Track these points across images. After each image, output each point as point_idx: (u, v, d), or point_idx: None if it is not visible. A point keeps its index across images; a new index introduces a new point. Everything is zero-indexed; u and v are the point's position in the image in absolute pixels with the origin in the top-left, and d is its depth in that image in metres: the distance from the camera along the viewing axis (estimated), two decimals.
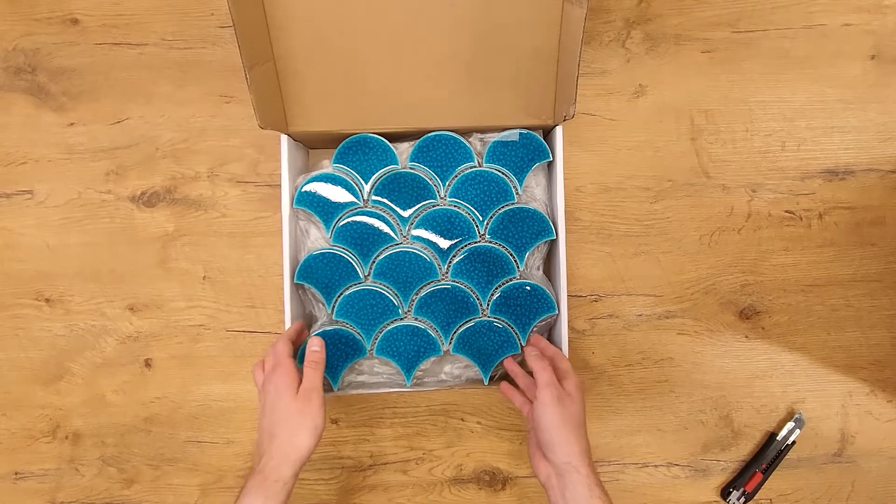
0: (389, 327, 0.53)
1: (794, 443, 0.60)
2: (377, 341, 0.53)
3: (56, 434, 0.60)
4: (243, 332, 0.60)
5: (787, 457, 0.60)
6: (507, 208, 0.54)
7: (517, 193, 0.54)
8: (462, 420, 0.61)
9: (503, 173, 0.54)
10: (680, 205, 0.61)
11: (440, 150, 0.55)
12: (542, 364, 0.48)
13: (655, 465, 0.61)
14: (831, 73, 0.61)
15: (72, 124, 0.60)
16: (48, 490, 0.60)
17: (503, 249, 0.54)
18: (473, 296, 0.54)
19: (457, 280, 0.54)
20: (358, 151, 0.55)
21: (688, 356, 0.61)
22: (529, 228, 0.54)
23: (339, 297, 0.53)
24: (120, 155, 0.60)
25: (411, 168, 0.55)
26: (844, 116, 0.61)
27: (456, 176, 0.54)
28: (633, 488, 0.61)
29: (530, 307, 0.54)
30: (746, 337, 0.61)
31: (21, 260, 0.60)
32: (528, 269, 0.56)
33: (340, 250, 0.54)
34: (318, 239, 0.56)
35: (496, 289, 0.54)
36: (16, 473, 0.60)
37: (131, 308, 0.60)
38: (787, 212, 0.61)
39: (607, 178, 0.61)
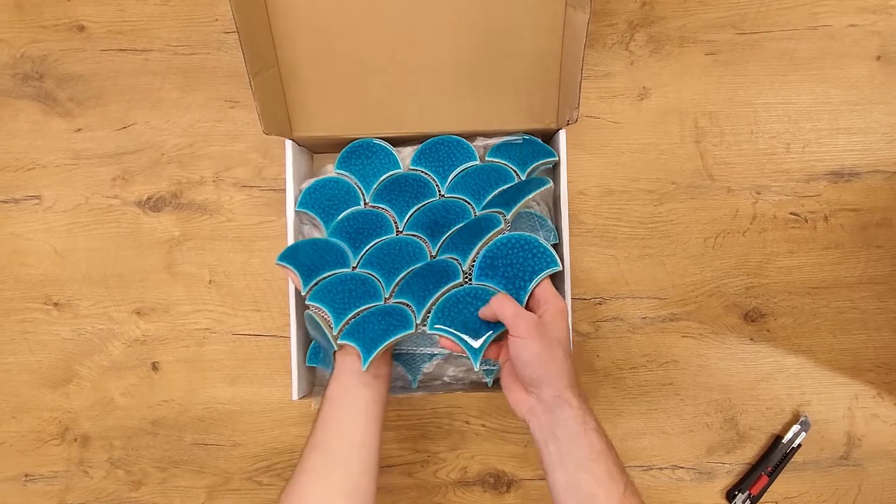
0: (363, 312, 0.46)
1: (799, 445, 0.60)
2: (346, 327, 0.45)
3: (65, 436, 0.61)
4: (249, 335, 0.61)
5: (792, 460, 0.60)
6: (505, 188, 0.50)
7: (518, 178, 0.52)
8: (467, 423, 0.61)
9: (505, 164, 0.53)
10: (684, 207, 0.61)
11: (442, 152, 0.54)
12: (501, 300, 0.41)
13: (660, 468, 0.61)
14: (836, 74, 0.61)
15: (79, 130, 0.60)
16: (57, 492, 0.61)
17: (495, 213, 0.47)
18: (456, 263, 0.46)
19: (443, 256, 0.48)
20: (361, 156, 0.55)
21: (692, 359, 0.61)
22: (525, 192, 0.48)
23: (318, 281, 0.48)
24: (126, 160, 0.60)
25: (412, 170, 0.54)
26: (850, 118, 0.61)
27: (456, 174, 0.54)
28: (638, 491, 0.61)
29: (524, 265, 0.43)
30: (751, 339, 0.61)
31: (29, 265, 0.60)
32: None
33: (332, 239, 0.52)
34: None
35: (479, 249, 0.45)
36: (26, 475, 0.61)
37: (138, 312, 0.60)
38: (792, 214, 0.61)
39: (611, 181, 0.61)
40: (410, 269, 0.48)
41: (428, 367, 0.55)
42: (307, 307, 0.48)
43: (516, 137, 0.55)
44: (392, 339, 0.43)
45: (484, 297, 0.42)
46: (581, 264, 0.61)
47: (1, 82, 0.60)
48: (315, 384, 0.57)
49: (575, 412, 0.39)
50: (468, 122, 0.54)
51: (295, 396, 0.53)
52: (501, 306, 0.40)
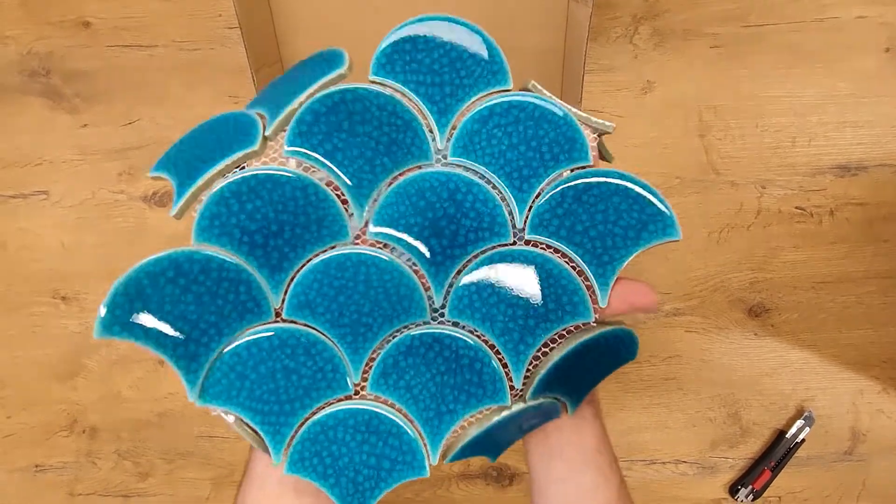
0: (317, 417, 0.25)
1: (803, 440, 0.59)
2: (293, 446, 0.25)
3: (73, 428, 0.62)
4: None
5: (796, 455, 0.60)
6: (574, 175, 0.26)
7: (593, 151, 0.27)
8: None
9: (565, 106, 0.27)
10: (688, 202, 0.60)
11: (439, 55, 0.26)
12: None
13: (663, 463, 0.61)
14: (844, 66, 0.60)
15: (85, 126, 0.61)
16: (67, 482, 0.62)
17: (563, 264, 0.26)
18: (496, 360, 0.26)
19: (461, 325, 0.26)
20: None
21: (696, 354, 0.61)
22: (621, 217, 0.26)
23: (216, 358, 0.24)
24: (132, 155, 0.61)
25: (379, 84, 0.26)
26: (857, 111, 0.60)
27: (469, 114, 0.26)
28: (641, 485, 0.61)
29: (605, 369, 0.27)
30: (755, 334, 0.61)
31: (37, 259, 0.61)
32: None
33: (220, 253, 0.24)
34: None
35: (542, 348, 0.26)
36: (36, 466, 0.62)
37: None
38: (797, 208, 0.60)
39: None
40: (396, 331, 0.25)
41: None
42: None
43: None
44: (392, 487, 0.26)
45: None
46: None
47: (8, 79, 0.61)
48: None
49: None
50: None
51: None
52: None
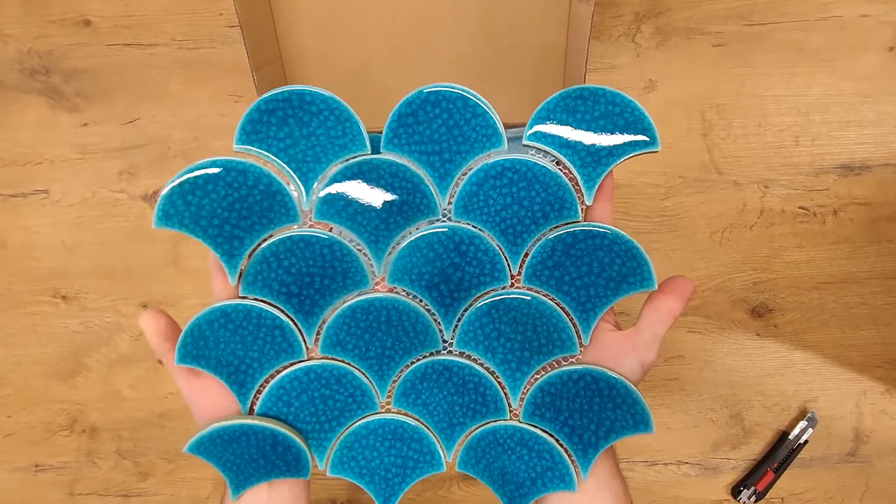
0: (352, 429, 0.31)
1: (806, 442, 0.59)
2: (333, 453, 0.31)
3: (74, 428, 0.62)
4: None
5: (799, 456, 0.59)
6: (562, 232, 0.29)
7: (582, 206, 0.30)
8: None
9: (562, 167, 0.30)
10: (691, 201, 0.60)
11: (440, 123, 0.29)
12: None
13: (665, 463, 0.61)
14: (847, 65, 0.59)
15: (85, 124, 0.61)
16: (67, 482, 0.62)
17: (554, 305, 0.30)
18: (496, 384, 0.31)
19: (466, 354, 0.31)
20: (288, 121, 0.34)
21: (698, 354, 0.60)
22: (604, 270, 0.30)
23: (260, 388, 0.31)
24: (132, 154, 0.61)
25: (388, 157, 0.29)
26: (861, 110, 0.60)
27: (469, 175, 0.30)
28: (643, 486, 0.61)
29: (599, 417, 0.30)
30: (758, 335, 0.60)
31: (38, 258, 0.61)
32: None
33: (260, 304, 0.30)
34: None
35: (535, 375, 0.31)
36: (36, 465, 0.62)
37: (145, 305, 0.61)
38: (800, 208, 0.60)
39: (617, 174, 0.60)
40: (414, 360, 0.31)
41: None
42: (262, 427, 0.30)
43: (519, 130, 0.55)
44: (416, 482, 0.31)
45: (535, 448, 0.30)
46: None
47: (8, 77, 0.61)
48: None
49: None
50: None
51: None
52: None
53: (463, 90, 0.29)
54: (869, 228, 0.60)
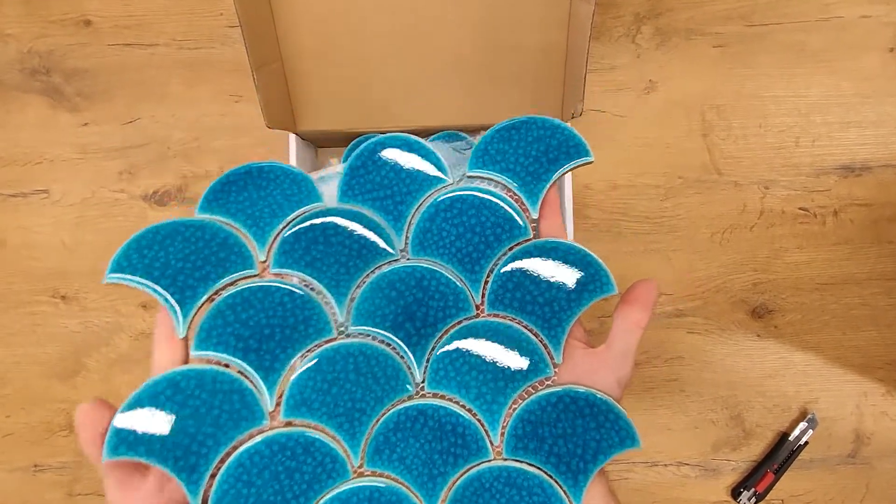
0: (326, 501, 0.27)
1: (806, 443, 0.59)
2: None
3: (73, 428, 0.62)
4: None
5: (799, 457, 0.59)
6: (517, 251, 0.29)
7: (531, 221, 0.30)
8: None
9: (506, 190, 0.30)
10: (691, 202, 0.60)
11: (388, 170, 0.30)
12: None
13: (665, 465, 0.61)
14: (848, 66, 0.59)
15: (85, 124, 0.61)
16: (66, 482, 0.62)
17: (521, 328, 0.29)
18: (475, 421, 0.28)
19: (440, 394, 0.28)
20: (248, 188, 0.35)
21: (698, 355, 0.60)
22: (564, 283, 0.29)
23: (219, 464, 0.26)
24: (132, 154, 0.61)
25: (345, 207, 0.30)
26: (861, 111, 0.60)
27: (420, 214, 0.30)
28: (642, 487, 0.61)
29: (584, 435, 0.28)
30: (758, 336, 0.60)
31: (37, 258, 0.61)
32: None
33: (214, 366, 0.27)
34: None
35: (513, 405, 0.28)
36: (35, 465, 0.62)
37: (144, 306, 0.61)
38: (801, 209, 0.60)
39: (616, 175, 0.60)
40: (386, 410, 0.28)
41: None
42: None
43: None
44: None
45: (525, 486, 0.28)
46: None
47: (9, 77, 0.61)
48: None
49: None
50: (472, 116, 0.54)
51: None
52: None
53: (404, 137, 0.30)
54: (870, 229, 0.60)
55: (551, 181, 0.30)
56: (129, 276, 0.27)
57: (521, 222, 0.29)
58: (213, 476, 0.26)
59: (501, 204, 0.29)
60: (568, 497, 0.28)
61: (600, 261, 0.29)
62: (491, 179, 0.30)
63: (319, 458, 0.27)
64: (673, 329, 0.60)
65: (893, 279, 0.60)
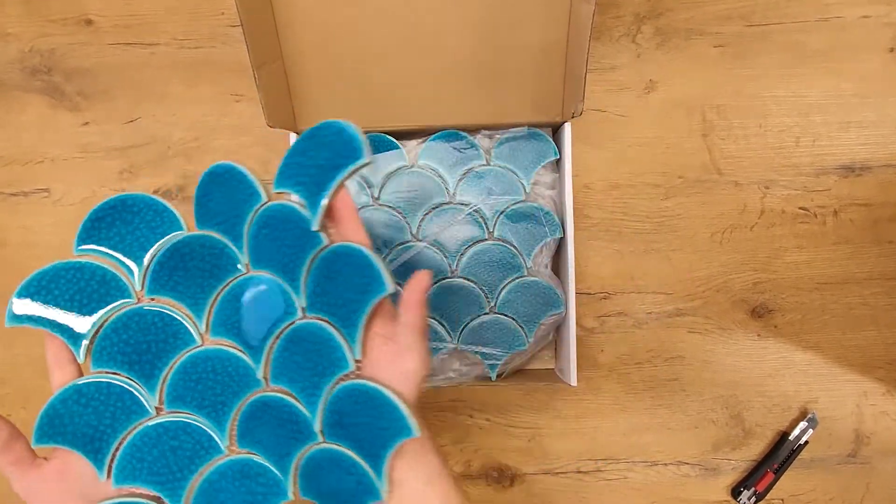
0: (205, 475, 0.34)
1: (806, 443, 0.59)
2: (190, 501, 0.33)
3: None
4: None
5: (799, 457, 0.59)
6: (318, 258, 0.33)
7: (324, 232, 0.33)
8: (470, 416, 0.61)
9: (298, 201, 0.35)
10: (691, 202, 0.60)
11: (219, 194, 0.35)
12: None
13: (665, 464, 0.61)
14: (848, 66, 0.60)
15: (86, 124, 0.61)
16: None
17: (330, 328, 0.33)
18: (304, 411, 0.33)
19: (279, 387, 0.34)
20: (116, 222, 0.37)
21: (698, 354, 0.60)
22: (351, 282, 0.32)
23: (115, 451, 0.33)
24: (133, 154, 0.61)
25: (199, 233, 0.35)
26: (862, 111, 0.60)
27: (249, 228, 0.35)
28: (642, 487, 0.61)
29: (373, 430, 0.31)
30: (759, 335, 0.60)
31: (38, 257, 0.61)
32: (537, 266, 0.56)
33: (103, 380, 0.33)
34: None
35: (326, 397, 0.33)
36: None
37: None
38: (801, 209, 0.60)
39: (617, 174, 0.60)
40: (244, 400, 0.34)
41: (433, 362, 0.55)
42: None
43: (520, 130, 0.55)
44: None
45: (346, 466, 0.32)
46: (586, 259, 0.60)
47: (10, 76, 0.61)
48: None
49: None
50: (473, 115, 0.54)
51: None
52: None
53: (226, 166, 0.35)
54: (870, 229, 0.60)
55: (331, 189, 0.31)
56: (27, 320, 0.33)
57: (315, 233, 0.33)
58: (113, 457, 0.33)
59: (297, 216, 0.33)
60: (375, 477, 0.31)
61: (376, 263, 0.31)
62: (288, 195, 0.33)
63: (197, 437, 0.34)
64: (673, 328, 0.60)
65: (893, 279, 0.60)
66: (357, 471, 0.32)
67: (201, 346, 0.35)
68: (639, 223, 0.60)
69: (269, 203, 0.34)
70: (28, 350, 0.61)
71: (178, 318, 0.35)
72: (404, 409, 0.31)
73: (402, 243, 0.55)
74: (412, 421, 0.30)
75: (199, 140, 0.61)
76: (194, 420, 0.34)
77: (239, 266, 0.35)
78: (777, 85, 0.60)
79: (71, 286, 0.34)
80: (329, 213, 0.32)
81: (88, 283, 0.34)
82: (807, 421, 0.59)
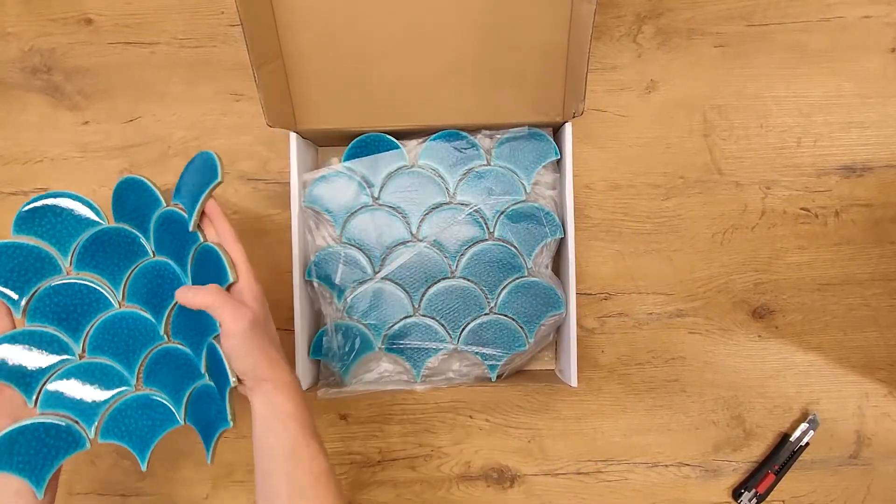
0: (116, 406, 0.44)
1: (807, 444, 0.59)
2: (101, 425, 0.44)
3: None
4: None
5: (800, 458, 0.59)
6: (195, 255, 0.44)
7: (201, 232, 0.43)
8: (470, 417, 0.61)
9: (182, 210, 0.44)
10: (692, 202, 0.60)
11: (133, 198, 0.47)
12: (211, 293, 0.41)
13: (666, 465, 0.60)
14: (849, 66, 0.59)
15: (86, 123, 0.61)
16: (64, 481, 0.61)
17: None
18: (193, 356, 0.44)
19: (175, 341, 0.45)
20: (46, 216, 0.46)
21: (699, 355, 0.60)
22: (211, 275, 0.42)
23: (43, 384, 0.43)
24: (133, 153, 0.61)
25: (116, 225, 0.47)
26: (863, 111, 0.60)
27: (152, 223, 0.45)
28: (643, 488, 0.60)
29: (216, 379, 0.42)
30: (759, 336, 0.60)
31: None
32: (537, 266, 0.56)
33: (37, 328, 0.44)
34: (326, 237, 0.56)
35: (205, 351, 0.42)
36: None
37: None
38: (802, 209, 0.60)
39: (617, 175, 0.60)
40: (150, 350, 0.45)
41: (432, 362, 0.55)
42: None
43: (521, 130, 0.55)
44: (163, 435, 0.45)
45: (214, 398, 0.42)
46: (586, 259, 0.60)
47: (10, 75, 0.61)
48: (319, 377, 0.57)
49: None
50: (473, 115, 0.54)
51: None
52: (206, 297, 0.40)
53: (135, 178, 0.47)
54: (871, 230, 0.60)
55: (200, 203, 0.42)
56: None
57: (194, 233, 0.43)
58: (40, 390, 0.43)
59: (185, 220, 0.43)
60: (228, 409, 0.41)
61: (222, 257, 0.41)
62: (178, 205, 0.44)
63: (111, 376, 0.45)
64: (674, 329, 0.60)
65: (895, 280, 0.60)
66: (216, 403, 0.42)
67: (118, 309, 0.46)
68: (639, 223, 0.60)
69: (166, 208, 0.45)
70: None
71: (100, 288, 0.46)
72: (228, 367, 0.40)
73: (402, 243, 0.54)
74: (231, 372, 0.40)
75: (199, 139, 0.61)
76: (110, 363, 0.45)
77: (148, 252, 0.46)
78: (778, 85, 0.60)
79: (11, 260, 0.44)
80: (203, 216, 0.43)
81: (26, 259, 0.44)
82: (808, 422, 0.59)
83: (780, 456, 0.59)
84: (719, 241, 0.60)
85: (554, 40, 0.51)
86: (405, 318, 0.54)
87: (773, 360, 0.60)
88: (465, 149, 0.55)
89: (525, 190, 0.55)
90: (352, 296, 0.54)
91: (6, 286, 0.43)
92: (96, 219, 0.46)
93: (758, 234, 0.60)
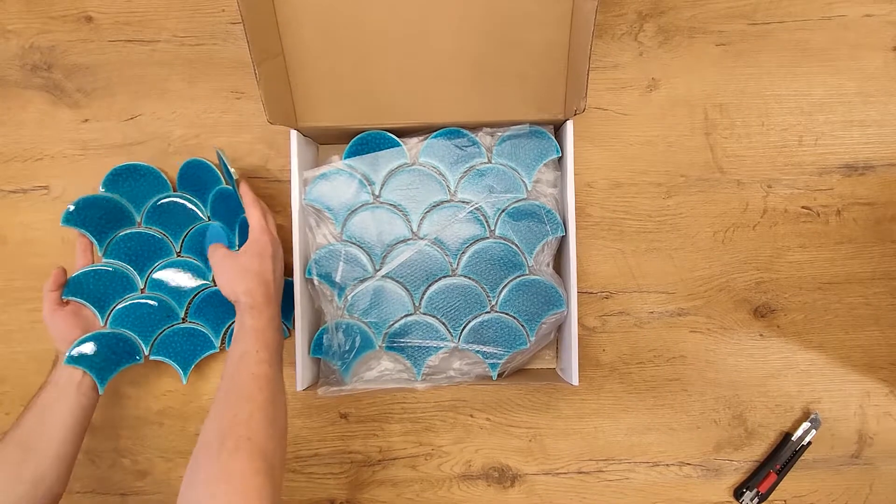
0: (166, 331, 0.57)
1: (809, 443, 0.59)
2: (154, 346, 0.56)
3: None
4: None
5: (802, 458, 0.59)
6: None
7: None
8: (471, 416, 0.60)
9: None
10: (693, 201, 0.60)
11: (199, 173, 0.58)
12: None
13: (667, 465, 0.60)
14: (851, 65, 0.59)
15: (86, 121, 0.61)
16: None
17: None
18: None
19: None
20: (129, 178, 0.58)
21: (700, 354, 0.60)
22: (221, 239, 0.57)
23: (113, 308, 0.56)
24: (133, 151, 0.61)
25: (180, 196, 0.58)
26: (864, 110, 0.60)
27: (210, 199, 0.57)
28: (645, 487, 0.60)
29: (221, 315, 0.59)
30: (761, 335, 0.60)
31: (38, 254, 0.61)
32: (538, 265, 0.56)
33: (112, 266, 0.56)
34: (327, 234, 0.56)
35: (196, 293, 0.58)
36: None
37: None
38: (803, 208, 0.60)
39: (619, 173, 0.60)
40: (197, 293, 0.57)
41: (433, 360, 0.55)
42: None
43: (522, 128, 0.55)
44: (203, 357, 0.58)
45: (201, 336, 0.58)
46: (588, 258, 0.60)
47: (10, 73, 0.61)
48: (319, 375, 0.57)
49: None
50: (475, 113, 0.54)
51: (299, 387, 0.53)
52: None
53: (199, 161, 0.58)
54: (873, 229, 0.60)
55: (235, 186, 0.54)
56: (78, 227, 0.55)
57: (202, 217, 0.58)
58: (110, 313, 0.56)
59: (234, 196, 0.54)
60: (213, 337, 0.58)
61: (233, 234, 0.55)
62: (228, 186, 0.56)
63: (165, 310, 0.57)
64: (675, 328, 0.60)
65: None
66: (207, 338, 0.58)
67: (176, 258, 0.58)
68: (641, 222, 0.60)
69: (221, 186, 0.56)
70: (28, 347, 0.61)
71: (163, 238, 0.58)
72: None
73: (403, 241, 0.54)
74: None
75: (199, 137, 0.60)
76: (165, 299, 0.57)
77: (202, 217, 0.58)
78: (780, 84, 0.60)
79: (98, 210, 0.56)
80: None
81: (110, 211, 0.57)
82: (809, 421, 0.59)
83: (782, 455, 0.59)
84: (721, 240, 0.60)
85: (555, 38, 0.51)
86: (406, 316, 0.54)
87: (774, 359, 0.60)
88: (466, 146, 0.55)
89: (526, 188, 0.55)
90: (352, 294, 0.54)
91: (93, 230, 0.56)
92: (167, 187, 0.59)
93: (759, 233, 0.60)
